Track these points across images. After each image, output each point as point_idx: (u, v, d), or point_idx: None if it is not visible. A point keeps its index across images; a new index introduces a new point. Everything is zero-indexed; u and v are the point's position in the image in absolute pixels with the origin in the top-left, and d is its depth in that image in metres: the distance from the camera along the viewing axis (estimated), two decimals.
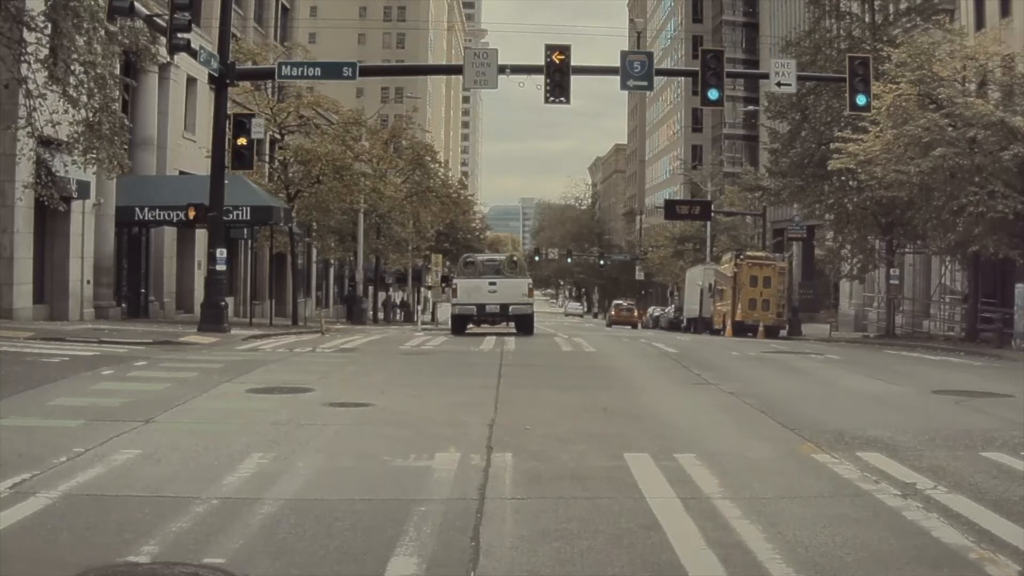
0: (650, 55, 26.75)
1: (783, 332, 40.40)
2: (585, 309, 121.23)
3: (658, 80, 34.70)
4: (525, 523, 6.13)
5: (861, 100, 25.11)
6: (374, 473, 7.63)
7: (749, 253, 45.44)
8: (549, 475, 7.56)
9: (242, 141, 25.03)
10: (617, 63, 25.09)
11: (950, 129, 26.40)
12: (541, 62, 24.50)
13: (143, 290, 32.33)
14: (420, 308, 65.49)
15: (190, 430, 9.37)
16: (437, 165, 59.85)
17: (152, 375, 13.83)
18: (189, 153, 34.60)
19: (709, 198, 62.40)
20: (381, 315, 59.40)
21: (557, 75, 24.26)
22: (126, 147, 22.49)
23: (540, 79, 24.46)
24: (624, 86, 25.46)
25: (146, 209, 29.77)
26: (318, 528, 5.93)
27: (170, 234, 33.45)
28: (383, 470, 7.72)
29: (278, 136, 37.81)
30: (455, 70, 40.11)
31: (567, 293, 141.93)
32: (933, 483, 7.43)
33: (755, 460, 8.44)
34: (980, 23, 35.19)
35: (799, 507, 6.71)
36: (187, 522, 5.99)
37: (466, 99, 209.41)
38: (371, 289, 57.25)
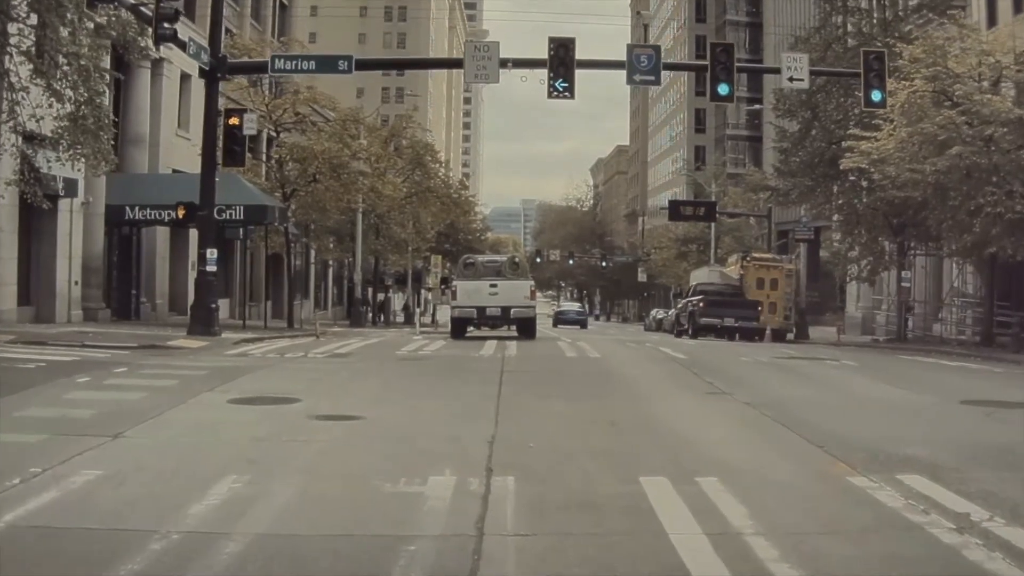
0: (657, 48, 25.99)
1: (790, 335, 39.63)
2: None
3: (661, 80, 33.88)
4: (528, 565, 5.37)
5: (876, 96, 24.31)
6: (359, 501, 6.81)
7: (755, 255, 44.70)
8: (556, 504, 6.72)
9: (234, 136, 24.21)
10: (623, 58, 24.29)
11: (966, 127, 25.60)
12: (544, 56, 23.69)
13: (134, 291, 31.54)
14: (420, 310, 64.66)
15: (160, 447, 8.62)
16: (438, 165, 59.01)
17: (130, 383, 13.04)
18: (183, 151, 33.77)
19: (713, 199, 61.55)
20: (380, 317, 58.60)
21: (561, 69, 23.44)
22: (112, 142, 21.72)
23: (543, 75, 23.64)
24: (630, 80, 24.69)
25: (137, 208, 29.05)
26: (290, 573, 5.13)
27: (163, 234, 32.71)
28: (369, 497, 6.89)
29: (274, 134, 37.01)
30: (455, 64, 39.35)
31: (568, 295, 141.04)
32: (988, 513, 6.61)
33: (786, 484, 7.60)
34: (992, 20, 34.41)
35: (844, 545, 5.88)
36: (140, 562, 5.26)
37: (467, 99, 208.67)
38: (370, 290, 56.47)
